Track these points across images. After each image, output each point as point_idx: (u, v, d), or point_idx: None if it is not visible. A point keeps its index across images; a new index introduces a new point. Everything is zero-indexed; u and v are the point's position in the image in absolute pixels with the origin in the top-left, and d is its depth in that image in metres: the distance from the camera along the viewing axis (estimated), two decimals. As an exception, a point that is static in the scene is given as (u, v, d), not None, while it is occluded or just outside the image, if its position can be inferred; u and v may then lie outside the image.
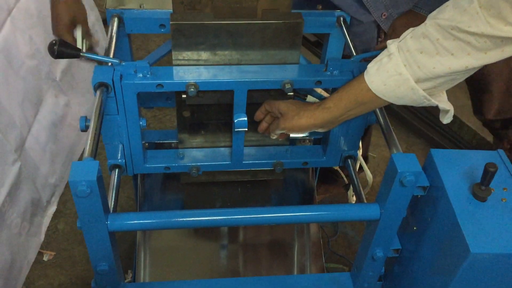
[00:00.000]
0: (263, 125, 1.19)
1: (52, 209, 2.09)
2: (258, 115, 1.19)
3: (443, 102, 0.97)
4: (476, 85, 1.74)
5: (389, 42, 0.95)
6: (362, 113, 1.05)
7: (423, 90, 0.92)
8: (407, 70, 0.90)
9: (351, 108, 1.03)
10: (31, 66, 1.86)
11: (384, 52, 0.95)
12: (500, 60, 0.87)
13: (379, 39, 1.47)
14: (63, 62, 2.10)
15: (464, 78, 0.92)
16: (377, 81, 0.95)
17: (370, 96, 0.98)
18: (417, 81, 0.91)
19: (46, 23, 1.97)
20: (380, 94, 0.96)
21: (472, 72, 0.90)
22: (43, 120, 1.96)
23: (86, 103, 2.35)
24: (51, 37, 1.98)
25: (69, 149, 2.18)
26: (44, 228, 2.02)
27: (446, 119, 1.00)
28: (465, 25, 0.82)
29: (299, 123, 1.08)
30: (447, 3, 0.88)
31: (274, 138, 1.19)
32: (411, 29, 0.94)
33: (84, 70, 2.31)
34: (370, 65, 0.97)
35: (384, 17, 1.37)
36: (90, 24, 2.37)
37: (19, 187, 1.79)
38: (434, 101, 0.94)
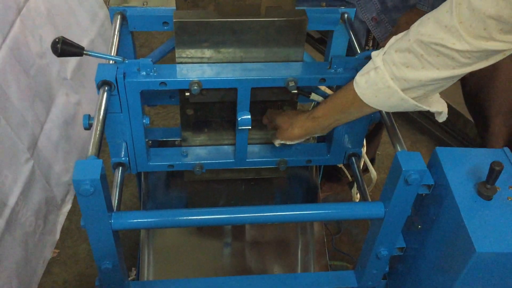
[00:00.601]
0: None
1: (67, 207, 2.10)
2: (265, 121, 1.25)
3: (434, 105, 0.98)
4: (480, 123, 1.66)
5: (374, 54, 0.96)
6: (352, 119, 1.09)
7: (413, 98, 0.93)
8: (394, 83, 0.92)
9: (339, 118, 1.08)
10: (41, 65, 1.86)
11: (370, 65, 0.96)
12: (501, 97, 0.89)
13: (366, 47, 1.47)
14: (73, 61, 2.10)
15: (453, 83, 0.92)
16: (369, 93, 0.97)
17: (357, 105, 1.00)
18: (405, 90, 0.92)
19: (55, 22, 1.97)
20: (373, 105, 0.98)
21: (459, 78, 0.90)
22: (55, 119, 1.97)
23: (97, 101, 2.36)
24: (65, 36, 1.99)
25: (81, 147, 2.18)
26: (59, 227, 2.03)
27: (440, 119, 1.01)
28: (448, 42, 0.82)
29: (293, 134, 1.15)
30: (428, 15, 0.87)
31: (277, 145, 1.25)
32: (394, 38, 0.95)
33: (94, 69, 2.31)
34: (358, 78, 0.98)
35: (374, 21, 1.36)
36: (98, 22, 2.37)
37: (33, 186, 1.80)
38: (425, 107, 0.96)
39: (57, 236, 2.01)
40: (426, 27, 0.85)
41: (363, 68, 0.98)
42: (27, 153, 1.75)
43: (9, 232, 1.64)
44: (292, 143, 1.19)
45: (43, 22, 1.89)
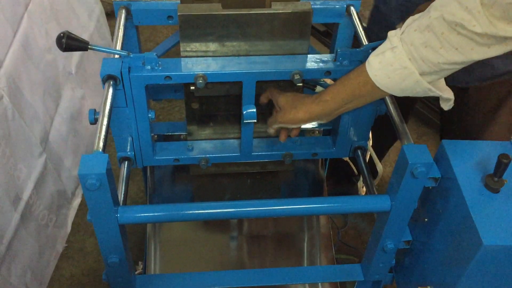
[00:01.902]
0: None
1: (77, 200, 2.12)
2: (262, 99, 1.19)
3: (445, 91, 0.96)
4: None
5: (391, 33, 0.93)
6: (360, 105, 1.05)
7: (428, 82, 0.91)
8: (412, 63, 0.89)
9: (348, 101, 1.02)
10: (49, 60, 1.87)
11: (386, 45, 0.93)
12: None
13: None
14: (76, 56, 2.11)
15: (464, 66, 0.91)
16: (381, 74, 0.93)
17: (369, 88, 0.97)
18: (422, 74, 0.90)
19: (59, 17, 1.98)
20: (384, 87, 0.94)
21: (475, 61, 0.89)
22: (63, 113, 1.99)
23: (99, 95, 2.37)
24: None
25: (88, 141, 2.20)
26: (70, 220, 2.05)
27: (448, 106, 0.99)
28: (469, 24, 0.81)
29: (296, 116, 1.08)
30: None
31: (271, 132, 1.19)
32: (411, 18, 0.92)
33: (94, 63, 2.32)
34: (371, 58, 0.95)
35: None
36: (94, 17, 2.38)
37: (45, 180, 1.81)
38: (438, 92, 0.94)
39: (69, 229, 2.03)
40: (448, 6, 0.84)
41: (377, 49, 0.95)
42: (40, 147, 1.77)
43: (23, 225, 1.66)
44: (293, 126, 1.12)
45: (48, 17, 1.89)
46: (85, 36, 2.24)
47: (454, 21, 0.83)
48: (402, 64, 0.90)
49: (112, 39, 1.18)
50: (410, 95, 0.95)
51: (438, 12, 0.85)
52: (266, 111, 1.25)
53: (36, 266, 1.76)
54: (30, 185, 1.70)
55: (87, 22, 2.28)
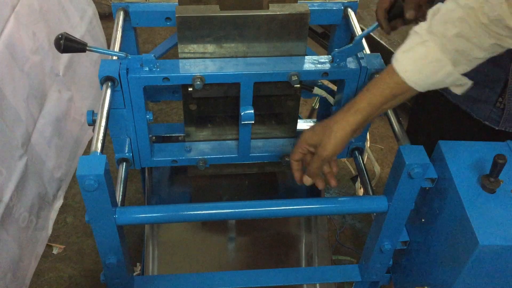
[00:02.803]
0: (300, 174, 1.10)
1: (59, 203, 2.10)
2: (302, 179, 1.09)
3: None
4: None
5: (416, 28, 0.91)
6: (393, 106, 1.00)
7: (460, 74, 0.90)
8: (445, 55, 0.88)
9: (384, 103, 0.97)
10: (35, 62, 1.87)
11: (414, 40, 0.91)
12: None
13: None
14: (65, 58, 2.11)
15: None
16: (412, 70, 0.91)
17: (403, 87, 0.93)
18: (455, 65, 0.89)
19: (48, 19, 1.98)
20: (413, 83, 0.92)
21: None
22: (48, 115, 1.98)
23: (88, 97, 2.36)
24: (54, 33, 2.00)
25: (73, 143, 2.19)
26: (51, 222, 2.04)
27: (461, 91, 0.95)
28: (494, 14, 0.81)
29: (337, 139, 0.98)
30: None
31: (320, 185, 1.08)
32: (432, 11, 0.90)
33: (85, 65, 2.32)
34: (399, 56, 0.92)
35: None
36: (87, 18, 2.39)
37: (26, 182, 1.81)
38: (469, 82, 0.92)
39: (49, 231, 2.01)
40: None
41: (403, 46, 0.93)
42: (21, 150, 1.76)
43: (3, 228, 1.66)
44: (333, 154, 1.00)
45: (36, 19, 1.89)
46: (76, 36, 2.22)
47: (481, 10, 0.82)
48: (435, 57, 0.88)
49: (110, 40, 1.19)
50: (439, 87, 0.93)
51: (465, 2, 0.84)
52: (263, 113, 1.25)
53: (16, 268, 1.75)
54: (10, 187, 1.69)
55: (78, 23, 2.28)
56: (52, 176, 2.02)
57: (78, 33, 2.26)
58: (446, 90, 0.95)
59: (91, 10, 2.42)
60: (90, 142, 2.31)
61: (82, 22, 2.31)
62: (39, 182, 1.91)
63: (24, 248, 1.81)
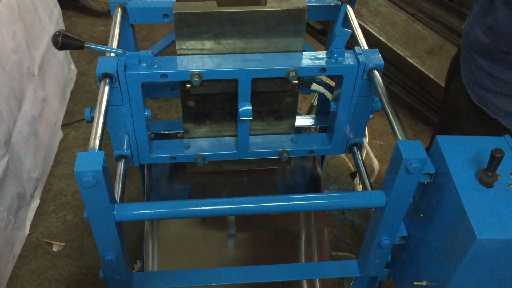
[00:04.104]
0: None
1: (36, 202, 2.10)
2: None
3: None
4: None
5: None
6: None
7: None
8: None
9: None
10: (15, 61, 1.88)
11: None
12: None
13: None
14: (38, 58, 2.12)
15: None
16: None
17: None
18: None
19: (25, 18, 1.99)
20: None
21: None
22: (25, 115, 1.98)
23: (59, 99, 2.38)
24: (29, 32, 2.00)
25: (47, 143, 2.19)
26: (28, 222, 2.03)
27: None
28: None
29: None
30: None
31: None
32: None
33: (54, 66, 2.33)
34: None
35: None
36: (54, 19, 2.40)
37: (6, 181, 1.80)
38: None
39: (27, 231, 2.01)
40: None
41: None
42: (3, 149, 1.76)
43: None
44: None
45: (16, 18, 1.89)
46: (46, 38, 2.25)
47: None
48: None
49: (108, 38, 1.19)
50: None
51: None
52: (262, 109, 1.25)
53: None
54: None
55: (48, 24, 2.29)
56: (30, 176, 2.02)
57: (47, 34, 2.27)
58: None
59: (57, 11, 2.44)
60: (61, 142, 2.34)
61: (50, 23, 2.33)
62: (18, 182, 1.90)
63: (2, 247, 1.80)
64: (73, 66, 2.68)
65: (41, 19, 2.21)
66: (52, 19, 2.35)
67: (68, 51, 2.52)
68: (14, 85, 1.87)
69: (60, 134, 2.35)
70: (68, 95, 2.57)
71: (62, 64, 2.48)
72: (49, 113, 2.22)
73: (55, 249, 2.00)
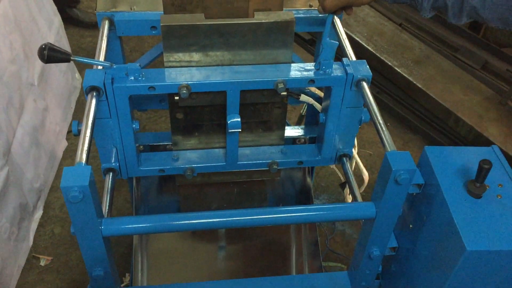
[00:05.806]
0: None
1: (39, 213, 2.08)
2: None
3: None
4: None
5: None
6: None
7: None
8: None
9: None
10: (12, 71, 1.86)
11: None
12: None
13: None
14: (38, 67, 2.10)
15: None
16: None
17: None
18: None
19: (22, 28, 1.97)
20: None
21: None
22: (26, 125, 1.96)
23: (61, 108, 2.36)
24: (28, 42, 1.99)
25: (50, 153, 2.17)
26: (32, 233, 2.01)
27: None
28: None
29: None
30: None
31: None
32: None
33: (56, 75, 2.32)
34: None
35: None
36: (54, 29, 2.39)
37: (7, 192, 1.78)
38: None
39: (31, 242, 1.98)
40: None
41: None
42: (3, 160, 1.74)
43: None
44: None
45: (12, 28, 1.88)
46: None
47: None
48: None
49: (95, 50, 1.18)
50: None
51: None
52: (250, 121, 1.25)
53: None
54: None
55: (47, 33, 2.27)
56: (31, 186, 2.00)
57: None
58: None
59: (57, 21, 2.43)
60: (65, 152, 2.31)
61: (50, 32, 2.31)
62: (19, 193, 1.88)
63: (6, 259, 1.78)
64: (77, 75, 2.65)
65: (40, 29, 2.19)
66: (52, 29, 2.33)
67: (71, 60, 2.49)
68: (12, 95, 1.86)
69: (64, 144, 2.31)
70: (73, 104, 2.54)
71: (65, 73, 2.44)
72: (52, 122, 2.20)
73: (42, 263, 1.97)
